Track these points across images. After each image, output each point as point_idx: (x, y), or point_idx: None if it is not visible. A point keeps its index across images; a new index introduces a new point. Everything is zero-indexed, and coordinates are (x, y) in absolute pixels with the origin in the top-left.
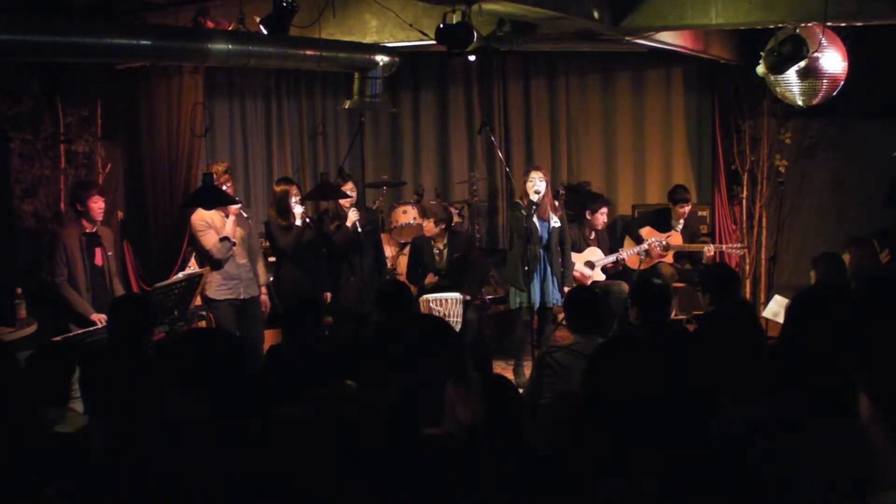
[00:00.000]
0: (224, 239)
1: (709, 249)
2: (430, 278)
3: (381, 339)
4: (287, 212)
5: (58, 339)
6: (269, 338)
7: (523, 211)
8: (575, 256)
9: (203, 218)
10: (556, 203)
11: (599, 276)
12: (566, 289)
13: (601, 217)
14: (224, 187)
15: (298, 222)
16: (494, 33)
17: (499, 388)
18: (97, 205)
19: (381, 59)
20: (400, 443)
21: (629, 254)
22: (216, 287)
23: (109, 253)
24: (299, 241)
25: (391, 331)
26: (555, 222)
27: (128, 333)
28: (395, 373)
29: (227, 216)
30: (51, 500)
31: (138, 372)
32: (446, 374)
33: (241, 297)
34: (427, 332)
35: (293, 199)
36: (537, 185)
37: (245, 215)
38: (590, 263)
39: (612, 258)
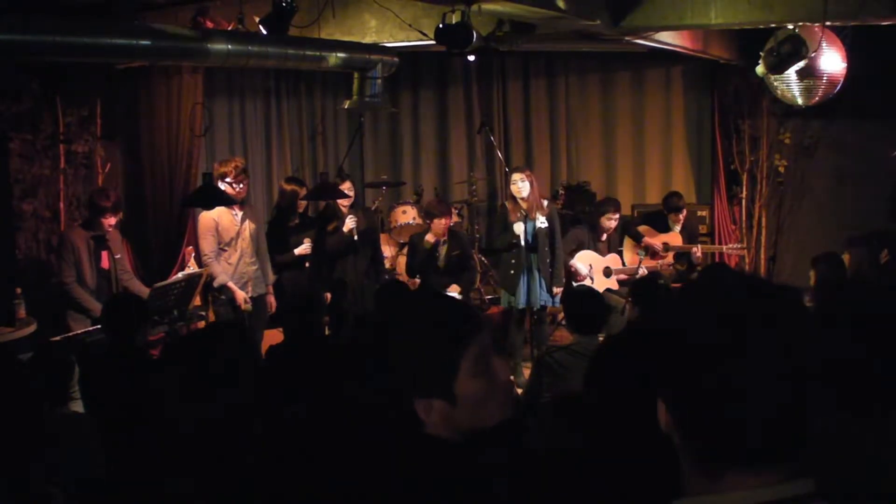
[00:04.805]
0: (223, 287)
1: (697, 250)
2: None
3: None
4: (294, 212)
5: (57, 338)
6: (269, 338)
7: (517, 212)
8: (594, 259)
9: (208, 224)
10: (545, 203)
11: (613, 285)
12: (556, 289)
13: (607, 223)
14: (241, 185)
15: None
16: (494, 33)
17: None
18: (108, 221)
19: (381, 59)
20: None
21: (646, 270)
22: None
23: (117, 256)
24: (301, 241)
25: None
26: (541, 222)
27: (121, 332)
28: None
29: (236, 214)
30: (54, 500)
31: (135, 370)
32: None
33: (250, 294)
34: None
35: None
36: (520, 185)
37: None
38: (608, 270)
39: (628, 270)
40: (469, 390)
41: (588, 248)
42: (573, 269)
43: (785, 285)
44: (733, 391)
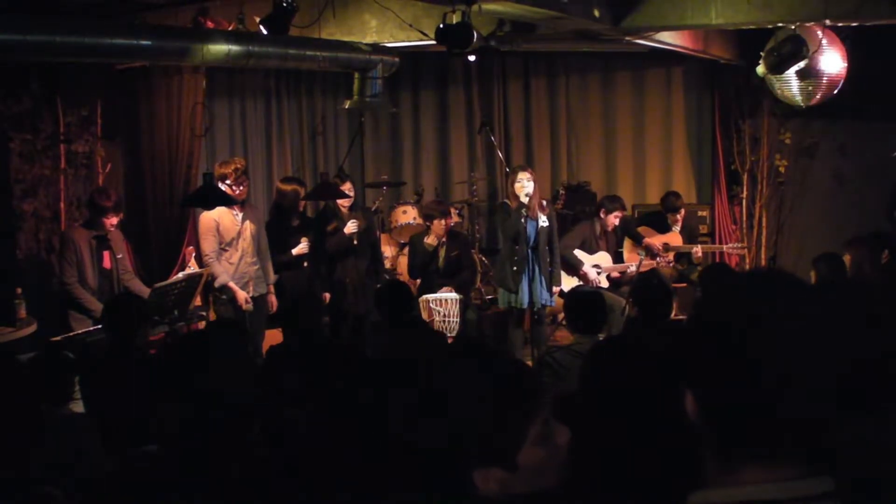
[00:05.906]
0: (224, 287)
1: (697, 250)
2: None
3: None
4: (296, 212)
5: (57, 338)
6: (269, 338)
7: (521, 211)
8: (584, 257)
9: (209, 224)
10: (545, 202)
11: (604, 283)
12: (555, 289)
13: (613, 219)
14: (241, 187)
15: None
16: (494, 33)
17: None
18: (109, 221)
19: (381, 59)
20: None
21: (636, 267)
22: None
23: (119, 255)
24: (299, 241)
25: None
26: (543, 222)
27: (121, 332)
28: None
29: (237, 214)
30: (54, 500)
31: (134, 371)
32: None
33: (251, 294)
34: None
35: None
36: (525, 185)
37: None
38: (597, 267)
39: (620, 268)
40: (531, 459)
41: (591, 245)
42: (583, 273)
43: (810, 285)
44: (752, 387)
